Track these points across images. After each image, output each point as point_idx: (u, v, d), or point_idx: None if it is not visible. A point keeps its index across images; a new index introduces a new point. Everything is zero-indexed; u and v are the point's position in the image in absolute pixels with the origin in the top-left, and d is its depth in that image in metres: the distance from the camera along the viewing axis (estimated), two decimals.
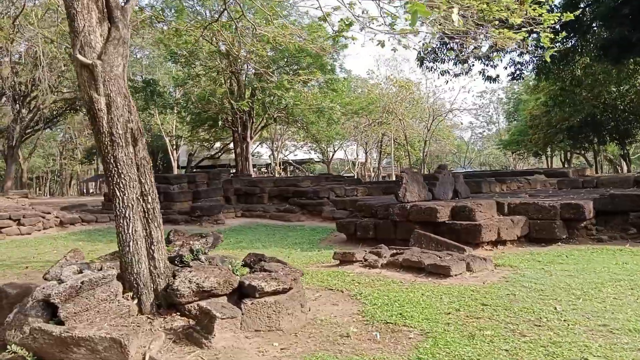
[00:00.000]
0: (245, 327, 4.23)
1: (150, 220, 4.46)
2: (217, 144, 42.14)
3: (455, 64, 19.82)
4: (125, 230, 4.33)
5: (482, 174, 20.04)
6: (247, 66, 25.17)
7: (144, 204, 4.46)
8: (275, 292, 4.42)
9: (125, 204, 4.34)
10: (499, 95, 59.61)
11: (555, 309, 4.51)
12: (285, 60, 23.78)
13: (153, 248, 4.44)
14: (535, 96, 32.74)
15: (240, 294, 4.52)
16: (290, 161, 48.83)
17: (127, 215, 4.34)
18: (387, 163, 55.80)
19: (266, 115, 27.60)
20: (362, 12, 6.37)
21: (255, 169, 38.07)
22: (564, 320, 4.16)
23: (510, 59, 26.55)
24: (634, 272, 5.93)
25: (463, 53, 20.81)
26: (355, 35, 6.13)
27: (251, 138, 27.57)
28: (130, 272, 4.33)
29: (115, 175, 4.34)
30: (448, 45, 18.46)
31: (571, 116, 27.41)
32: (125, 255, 4.35)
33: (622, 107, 29.08)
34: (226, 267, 4.71)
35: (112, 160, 4.34)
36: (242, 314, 4.20)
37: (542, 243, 8.64)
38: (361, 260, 7.35)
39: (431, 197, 9.86)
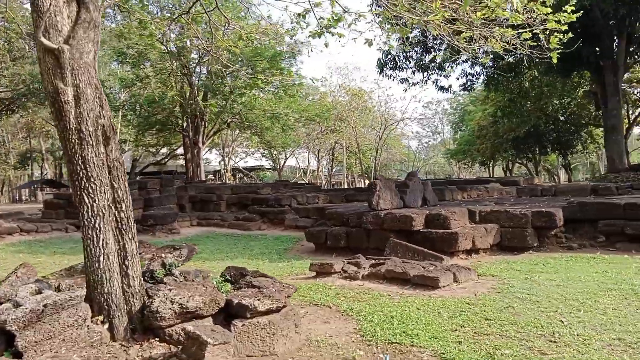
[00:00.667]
0: (236, 352, 3.73)
1: (123, 231, 3.87)
2: (164, 150, 40.63)
3: (413, 72, 19.98)
4: (95, 243, 3.73)
5: (439, 182, 20.22)
6: (200, 68, 24.38)
7: (116, 212, 3.87)
8: (268, 312, 3.96)
9: (95, 212, 3.74)
10: (444, 106, 61.46)
11: (562, 322, 4.30)
12: (241, 62, 23.14)
13: (127, 263, 3.85)
14: (483, 107, 33.79)
15: (226, 314, 4.01)
16: (240, 168, 47.84)
17: (97, 225, 3.73)
18: (336, 171, 55.93)
19: (219, 120, 26.78)
20: (345, 10, 6.04)
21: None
22: (577, 335, 3.95)
23: (462, 70, 27.28)
24: (620, 281, 5.88)
25: (423, 61, 21.19)
26: (341, 31, 5.78)
27: (203, 143, 26.64)
28: (100, 292, 3.73)
29: (84, 179, 3.73)
30: (408, 54, 18.65)
31: (517, 127, 28.41)
32: (93, 272, 3.74)
33: (563, 118, 30.50)
34: (211, 283, 4.18)
35: (79, 161, 3.73)
36: (233, 338, 3.70)
37: (514, 251, 8.60)
38: (340, 272, 6.97)
39: (402, 205, 9.64)
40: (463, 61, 25.38)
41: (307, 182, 41.10)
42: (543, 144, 33.58)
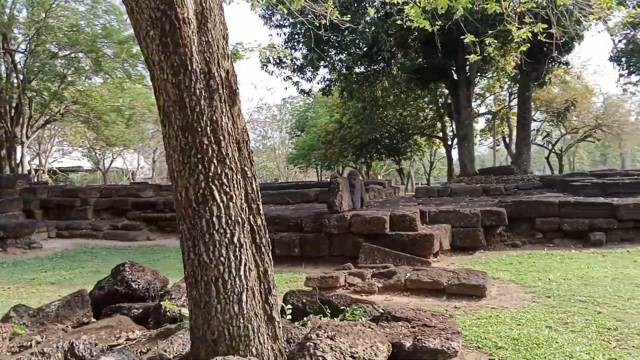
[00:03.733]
0: None
1: (263, 249, 2.36)
2: None
3: (293, 70, 19.34)
4: (232, 271, 2.18)
5: (290, 186, 19.79)
6: (28, 45, 20.03)
7: (251, 218, 2.33)
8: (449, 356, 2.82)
9: (233, 218, 2.20)
10: (273, 111, 62.34)
11: None
12: (83, 45, 19.53)
13: (270, 301, 2.35)
14: (330, 113, 34.82)
15: None
16: (55, 169, 40.95)
17: (236, 239, 2.20)
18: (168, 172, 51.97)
19: (47, 110, 22.32)
20: None
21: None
22: None
23: (322, 75, 27.68)
24: (627, 274, 6.08)
25: (295, 61, 20.64)
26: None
27: (27, 137, 21.82)
28: (244, 353, 2.17)
29: (213, 161, 2.16)
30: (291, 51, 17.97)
31: (368, 133, 29.87)
32: (228, 322, 2.17)
33: (398, 127, 33.17)
34: (361, 320, 2.86)
35: (207, 129, 2.16)
36: None
37: (468, 251, 8.55)
38: (344, 285, 5.89)
39: (353, 206, 8.87)
40: (323, 66, 25.76)
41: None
42: (379, 150, 36.15)
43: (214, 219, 2.14)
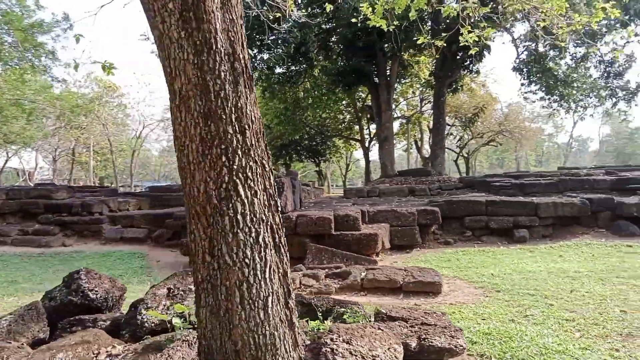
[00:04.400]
0: None
1: (282, 249, 2.18)
2: None
3: None
4: (257, 273, 1.99)
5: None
6: None
7: (270, 216, 2.15)
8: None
9: (257, 215, 2.01)
10: None
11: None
12: None
13: (290, 306, 2.17)
14: None
15: None
16: None
17: (261, 239, 2.00)
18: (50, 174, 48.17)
19: None
20: None
21: None
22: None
23: None
24: (559, 268, 6.54)
25: None
26: None
27: None
28: None
29: (238, 152, 1.95)
30: None
31: (288, 135, 29.81)
32: (251, 332, 1.98)
33: (318, 129, 33.52)
34: (369, 322, 2.75)
35: (231, 116, 1.94)
36: None
37: (406, 249, 8.77)
38: (299, 287, 5.75)
39: (294, 207, 8.73)
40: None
41: (32, 185, 34.00)
42: (299, 152, 36.30)
43: (239, 216, 1.92)
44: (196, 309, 2.10)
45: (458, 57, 21.18)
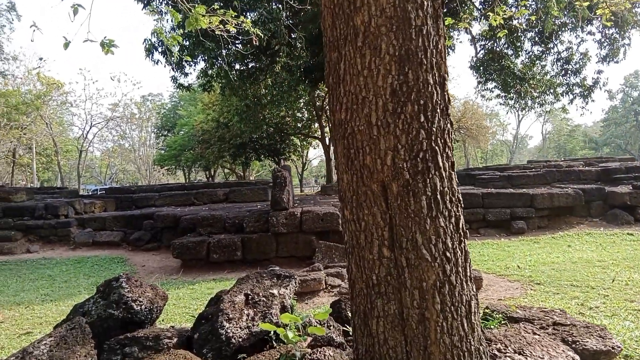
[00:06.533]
0: None
1: (464, 239, 1.72)
2: None
3: (170, 63, 17.70)
4: (460, 270, 1.52)
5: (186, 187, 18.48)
6: None
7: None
8: None
9: (455, 193, 1.53)
10: (132, 109, 57.60)
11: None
12: None
13: (473, 309, 1.71)
14: (206, 112, 33.16)
15: None
16: None
17: (460, 224, 1.53)
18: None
19: None
20: None
21: None
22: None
23: (201, 69, 26.15)
24: (580, 257, 6.40)
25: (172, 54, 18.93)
26: None
27: None
28: None
29: (439, 104, 1.47)
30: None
31: (248, 133, 28.95)
32: (460, 346, 1.51)
33: (277, 127, 32.86)
34: (524, 327, 2.33)
35: (433, 57, 1.45)
36: None
37: None
38: (326, 288, 5.28)
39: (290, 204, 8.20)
40: (203, 60, 24.30)
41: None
42: (258, 151, 35.50)
43: (437, 195, 1.45)
44: (354, 321, 1.60)
45: None
